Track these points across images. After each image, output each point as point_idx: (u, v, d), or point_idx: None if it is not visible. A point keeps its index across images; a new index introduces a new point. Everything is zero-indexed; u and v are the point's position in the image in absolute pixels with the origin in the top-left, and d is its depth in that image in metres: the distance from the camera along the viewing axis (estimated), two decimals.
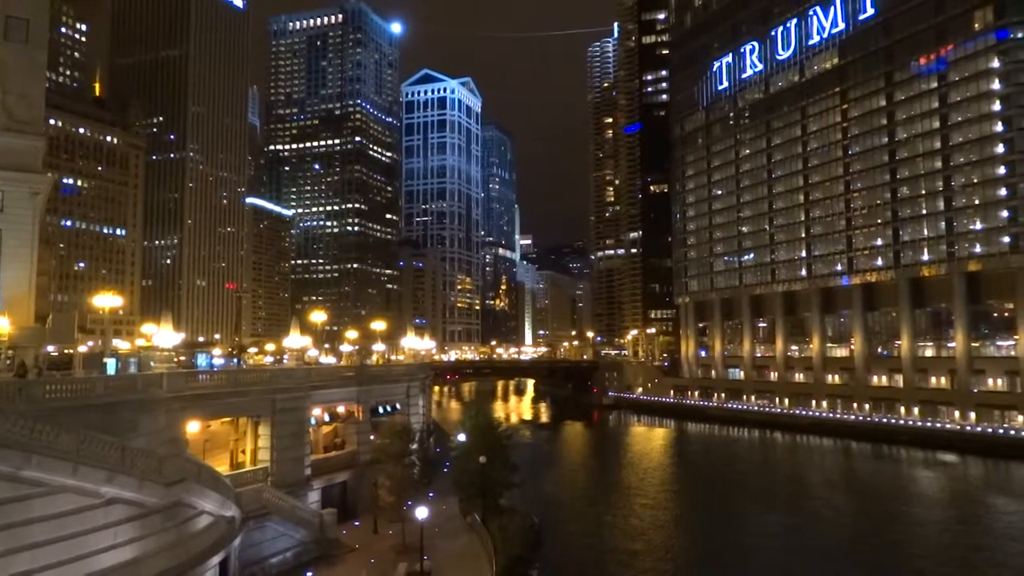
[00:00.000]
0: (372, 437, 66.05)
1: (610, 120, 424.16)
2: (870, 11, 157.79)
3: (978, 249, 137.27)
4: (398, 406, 74.49)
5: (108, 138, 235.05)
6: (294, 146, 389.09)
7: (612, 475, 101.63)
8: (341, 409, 68.61)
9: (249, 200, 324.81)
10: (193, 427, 49.84)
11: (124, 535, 31.85)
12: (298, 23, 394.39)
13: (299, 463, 56.61)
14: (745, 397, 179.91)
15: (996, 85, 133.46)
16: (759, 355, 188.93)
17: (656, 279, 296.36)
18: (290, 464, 55.44)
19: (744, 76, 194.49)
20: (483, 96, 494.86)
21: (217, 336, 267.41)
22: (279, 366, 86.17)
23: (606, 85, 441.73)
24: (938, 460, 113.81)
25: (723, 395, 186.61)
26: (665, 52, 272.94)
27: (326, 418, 68.21)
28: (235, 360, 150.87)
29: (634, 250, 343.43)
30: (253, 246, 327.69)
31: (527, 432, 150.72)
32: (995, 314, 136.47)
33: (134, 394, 41.08)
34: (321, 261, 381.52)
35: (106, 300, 64.48)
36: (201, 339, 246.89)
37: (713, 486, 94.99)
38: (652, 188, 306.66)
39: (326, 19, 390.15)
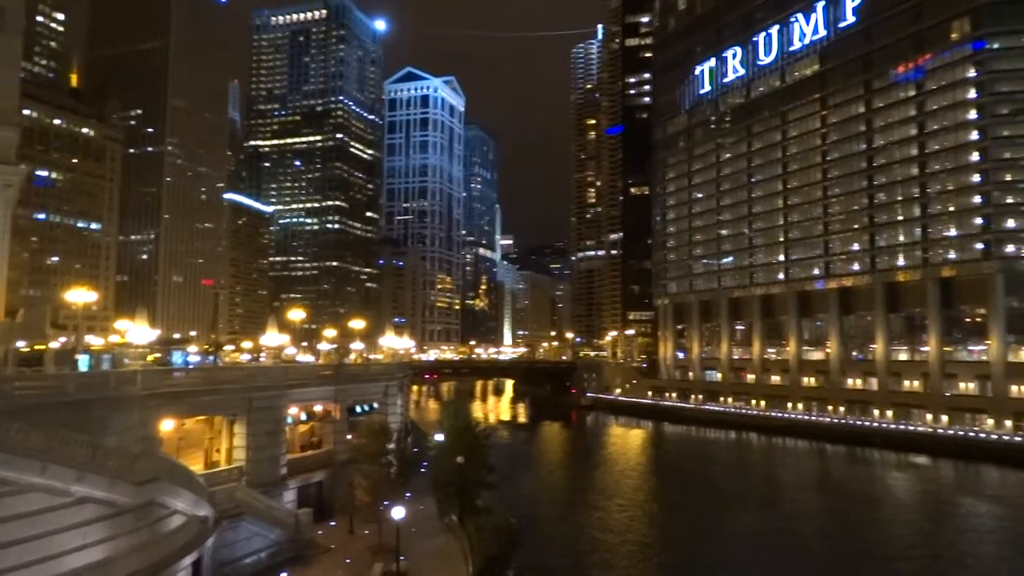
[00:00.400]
0: (349, 436, 65.72)
1: (593, 122, 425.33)
2: (851, 19, 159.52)
3: (952, 255, 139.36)
4: (376, 405, 74.17)
5: (84, 130, 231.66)
6: (275, 142, 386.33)
7: (589, 476, 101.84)
8: (318, 408, 68.19)
9: (228, 196, 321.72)
10: (167, 425, 49.29)
11: (94, 535, 31.41)
12: (281, 18, 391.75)
13: (275, 462, 56.16)
14: (722, 399, 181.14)
15: (972, 94, 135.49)
16: (736, 357, 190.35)
17: (636, 281, 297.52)
18: (265, 463, 54.98)
19: (726, 81, 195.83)
20: (466, 95, 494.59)
21: (193, 333, 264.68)
22: (256, 364, 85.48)
23: (589, 87, 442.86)
24: (911, 462, 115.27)
25: (700, 396, 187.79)
26: (648, 55, 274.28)
27: (303, 417, 67.73)
28: (211, 358, 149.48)
29: (614, 251, 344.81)
30: (231, 242, 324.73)
31: (505, 432, 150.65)
32: (967, 319, 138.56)
33: (107, 391, 40.54)
34: (300, 258, 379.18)
35: (80, 295, 63.49)
36: (177, 336, 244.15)
37: (689, 487, 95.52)
38: (633, 190, 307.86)
39: (309, 14, 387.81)
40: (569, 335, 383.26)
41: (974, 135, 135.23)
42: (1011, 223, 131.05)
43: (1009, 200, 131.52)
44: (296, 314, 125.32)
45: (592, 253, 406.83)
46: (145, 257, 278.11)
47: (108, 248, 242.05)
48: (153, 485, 34.92)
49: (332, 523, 58.55)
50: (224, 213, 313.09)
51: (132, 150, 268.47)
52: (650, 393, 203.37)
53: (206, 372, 60.04)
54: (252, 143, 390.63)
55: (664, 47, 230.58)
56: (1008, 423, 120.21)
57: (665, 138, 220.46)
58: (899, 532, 72.65)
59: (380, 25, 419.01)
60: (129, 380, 43.78)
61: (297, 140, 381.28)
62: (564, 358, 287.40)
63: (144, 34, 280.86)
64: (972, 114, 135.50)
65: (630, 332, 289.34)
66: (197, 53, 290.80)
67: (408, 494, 63.71)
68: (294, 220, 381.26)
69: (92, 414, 37.49)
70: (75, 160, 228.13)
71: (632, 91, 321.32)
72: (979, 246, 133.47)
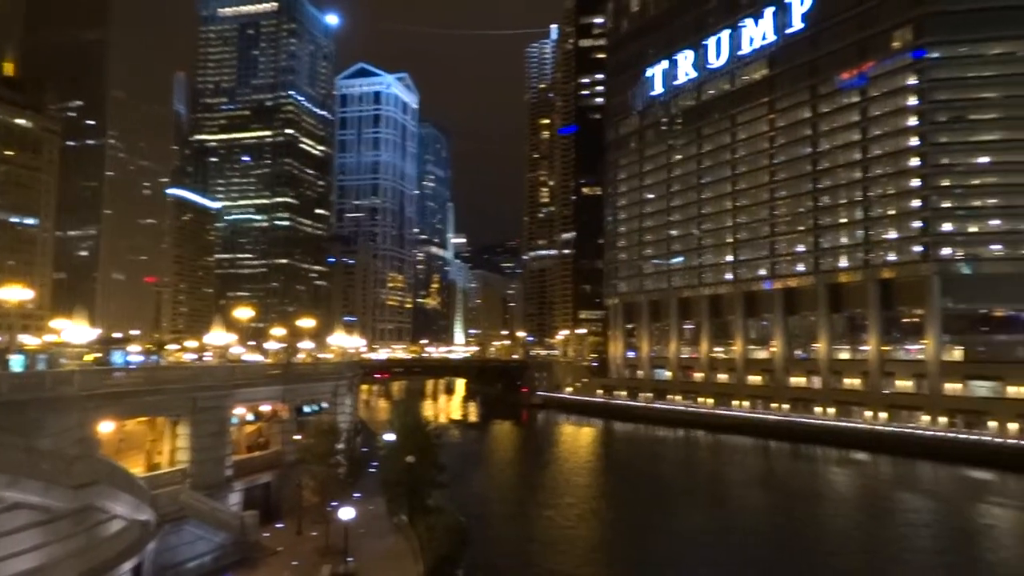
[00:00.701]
0: (297, 437, 64.71)
1: (546, 121, 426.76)
2: (799, 25, 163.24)
3: (892, 257, 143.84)
4: (325, 405, 73.17)
5: (20, 121, 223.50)
6: (222, 137, 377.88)
7: (539, 474, 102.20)
8: (266, 408, 66.92)
9: (173, 191, 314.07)
10: (107, 427, 47.73)
11: (27, 542, 30.22)
12: (229, 9, 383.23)
13: (220, 464, 54.92)
14: (671, 397, 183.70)
15: (912, 101, 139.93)
16: (685, 356, 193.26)
17: (587, 280, 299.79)
18: (210, 465, 53.71)
19: (677, 83, 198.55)
20: (420, 92, 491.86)
21: (135, 332, 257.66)
22: (201, 363, 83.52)
23: (543, 86, 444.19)
24: (851, 458, 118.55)
25: (650, 395, 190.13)
26: (602, 56, 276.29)
27: (249, 417, 66.39)
28: (154, 357, 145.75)
29: (566, 251, 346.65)
30: (176, 239, 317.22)
31: (456, 431, 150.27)
32: (905, 319, 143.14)
33: (42, 392, 39.07)
34: (248, 256, 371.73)
35: (13, 293, 61.03)
36: (118, 335, 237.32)
37: (638, 485, 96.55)
38: (585, 190, 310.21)
39: (259, 7, 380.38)
40: (521, 334, 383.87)
41: (914, 141, 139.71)
42: (947, 227, 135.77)
43: (946, 205, 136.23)
44: (243, 312, 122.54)
45: (544, 252, 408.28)
46: (85, 254, 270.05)
47: (44, 244, 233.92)
48: (91, 489, 33.76)
49: (279, 525, 57.56)
50: (168, 209, 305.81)
51: (71, 143, 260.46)
52: (600, 391, 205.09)
53: (148, 372, 58.40)
54: (198, 137, 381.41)
55: (617, 49, 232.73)
56: (942, 419, 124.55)
57: (617, 139, 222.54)
58: (841, 527, 74.64)
59: (332, 20, 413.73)
60: (66, 380, 42.26)
61: (246, 135, 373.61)
62: (515, 357, 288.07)
63: (84, 22, 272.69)
64: (912, 121, 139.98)
65: (581, 331, 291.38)
66: (140, 43, 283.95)
67: (357, 494, 62.99)
68: (242, 217, 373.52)
69: (26, 416, 36.08)
70: (10, 152, 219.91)
71: (585, 91, 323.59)
72: (917, 249, 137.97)
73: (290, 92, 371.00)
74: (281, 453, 64.45)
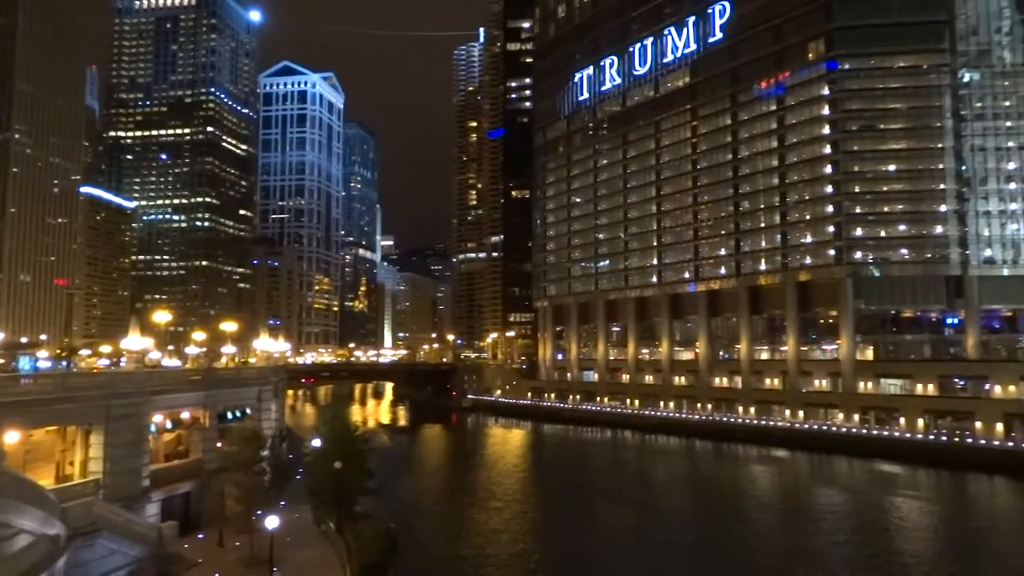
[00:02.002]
0: (219, 444, 62.79)
1: (474, 124, 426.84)
2: (719, 35, 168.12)
3: (808, 261, 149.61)
4: (248, 411, 71.16)
5: None
6: (138, 133, 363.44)
7: (468, 478, 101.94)
8: (186, 415, 64.64)
9: (85, 189, 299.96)
10: (12, 437, 45.18)
11: None
12: (146, 2, 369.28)
13: (136, 474, 52.72)
14: (599, 399, 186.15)
15: (826, 111, 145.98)
16: (613, 358, 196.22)
17: (516, 283, 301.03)
18: (126, 475, 51.50)
19: (604, 89, 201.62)
20: (346, 93, 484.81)
21: (44, 337, 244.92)
22: (115, 369, 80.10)
23: (471, 89, 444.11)
24: (771, 456, 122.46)
25: (578, 397, 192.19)
26: (529, 60, 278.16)
27: (168, 425, 64.02)
28: (64, 363, 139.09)
29: (495, 254, 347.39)
30: (88, 239, 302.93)
31: (385, 436, 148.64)
32: (821, 320, 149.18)
33: None
34: (166, 257, 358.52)
35: None
36: (24, 340, 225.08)
37: (566, 486, 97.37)
38: (514, 193, 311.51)
39: (178, 0, 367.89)
40: (450, 337, 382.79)
41: (827, 149, 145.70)
42: (859, 231, 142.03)
43: (857, 210, 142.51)
44: (161, 316, 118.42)
45: (473, 255, 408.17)
46: None
47: None
48: None
49: (200, 536, 55.72)
50: (80, 208, 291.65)
51: None
52: (530, 394, 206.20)
53: (58, 378, 55.52)
54: (113, 134, 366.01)
55: (544, 53, 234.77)
56: (856, 417, 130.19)
57: (545, 143, 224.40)
58: (760, 523, 76.93)
59: (255, 16, 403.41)
60: None
61: (163, 132, 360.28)
62: (445, 360, 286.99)
63: None
64: (826, 129, 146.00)
65: (511, 334, 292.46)
66: (49, 34, 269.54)
67: (282, 502, 61.61)
68: (160, 216, 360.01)
69: None
70: None
71: (513, 95, 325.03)
72: (831, 252, 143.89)
73: (211, 89, 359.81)
74: (202, 461, 62.34)
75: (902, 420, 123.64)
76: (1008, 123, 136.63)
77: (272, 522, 43.24)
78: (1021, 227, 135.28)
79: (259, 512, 51.69)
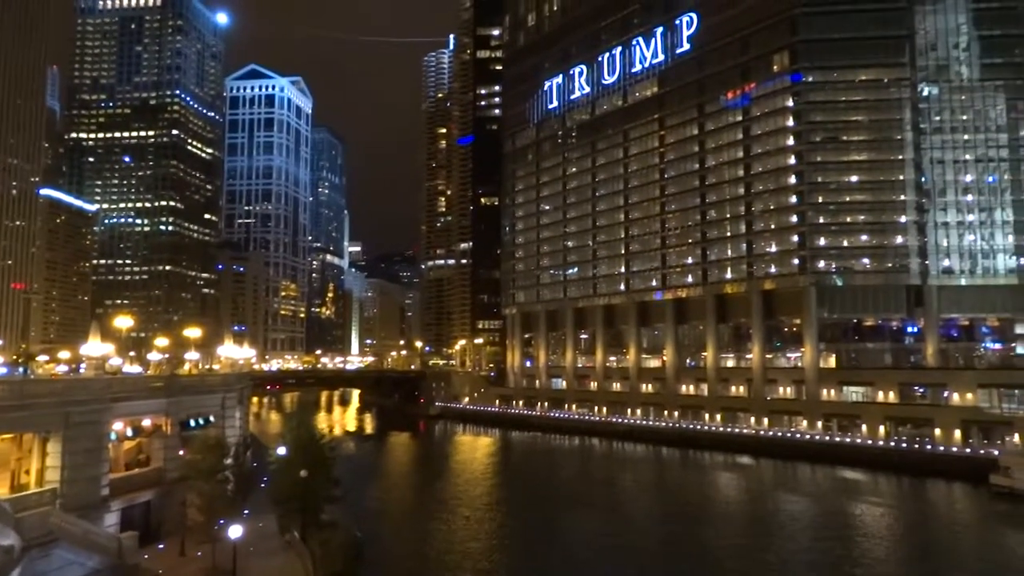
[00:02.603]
0: (182, 452, 61.61)
1: (444, 131, 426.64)
2: (686, 46, 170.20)
3: (772, 269, 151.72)
4: (212, 419, 69.98)
5: None
6: (101, 135, 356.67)
7: (436, 485, 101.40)
8: (147, 423, 63.32)
9: (44, 192, 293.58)
10: None
11: None
12: (110, 2, 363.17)
13: (95, 483, 51.53)
14: (567, 406, 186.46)
15: (790, 122, 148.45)
16: (581, 365, 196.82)
17: (485, 290, 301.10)
18: (84, 484, 50.30)
19: (573, 97, 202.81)
20: (315, 98, 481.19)
21: None
22: (74, 376, 78.30)
23: (441, 96, 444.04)
24: (737, 463, 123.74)
25: (547, 404, 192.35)
26: (499, 68, 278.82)
27: (129, 432, 62.66)
28: (21, 369, 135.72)
29: (464, 261, 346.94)
30: (48, 243, 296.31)
31: (351, 444, 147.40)
32: (786, 329, 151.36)
33: None
34: (128, 262, 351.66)
35: None
36: None
37: (534, 494, 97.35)
38: (483, 200, 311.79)
39: (143, 1, 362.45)
40: (418, 344, 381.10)
41: (791, 160, 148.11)
42: (822, 241, 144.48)
43: (821, 220, 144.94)
44: (123, 321, 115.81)
45: (442, 262, 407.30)
46: None
47: None
48: None
49: (160, 546, 54.58)
50: (39, 210, 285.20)
51: None
52: (498, 401, 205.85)
53: (13, 385, 54.11)
54: (74, 135, 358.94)
55: (514, 61, 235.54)
56: (819, 424, 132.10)
57: (514, 150, 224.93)
58: (727, 530, 77.61)
59: (222, 18, 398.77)
60: None
61: (127, 134, 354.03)
62: (413, 367, 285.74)
63: None
64: (790, 140, 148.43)
65: (479, 341, 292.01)
66: (8, 33, 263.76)
67: (246, 511, 60.66)
68: (122, 220, 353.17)
69: None
70: None
71: (483, 102, 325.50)
72: (795, 261, 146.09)
73: (176, 91, 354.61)
74: (163, 470, 61.15)
75: (864, 427, 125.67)
76: (966, 136, 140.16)
77: (235, 531, 42.55)
78: (978, 238, 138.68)
79: (222, 521, 50.81)
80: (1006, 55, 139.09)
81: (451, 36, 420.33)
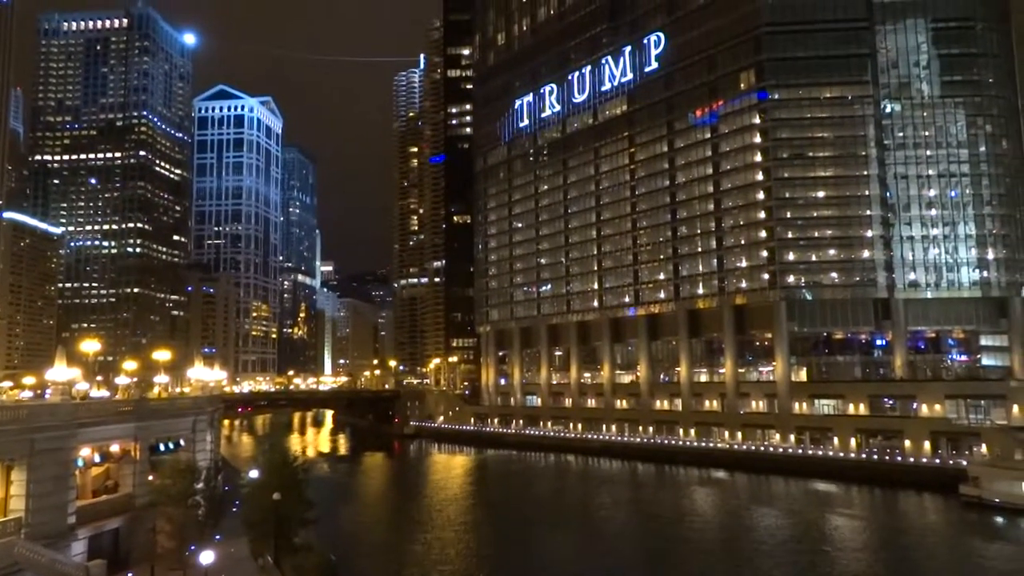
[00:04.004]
0: (151, 477, 60.39)
1: (415, 150, 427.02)
2: (654, 65, 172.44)
3: (743, 284, 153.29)
4: (182, 442, 68.70)
5: None
6: (66, 157, 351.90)
7: (411, 506, 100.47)
8: (115, 448, 61.99)
9: (8, 215, 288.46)
10: None
11: None
12: (75, 24, 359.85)
13: (61, 511, 50.18)
14: (542, 423, 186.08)
15: (757, 139, 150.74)
16: (555, 382, 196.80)
17: (459, 308, 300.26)
18: (50, 512, 48.96)
19: (544, 115, 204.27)
20: (285, 118, 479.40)
21: None
22: (39, 402, 76.50)
23: (412, 115, 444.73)
24: (712, 477, 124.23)
25: (522, 421, 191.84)
26: (470, 87, 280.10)
27: (96, 458, 61.26)
28: None
29: (437, 279, 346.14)
30: (11, 266, 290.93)
31: (325, 465, 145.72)
32: (757, 343, 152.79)
33: None
34: (95, 285, 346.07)
35: None
36: None
37: (509, 513, 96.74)
38: (456, 219, 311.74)
39: (109, 22, 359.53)
40: (392, 363, 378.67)
41: (759, 176, 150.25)
42: (791, 256, 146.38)
43: (789, 235, 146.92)
44: (89, 345, 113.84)
45: (415, 280, 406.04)
46: None
47: None
48: None
49: (130, 574, 53.21)
50: (3, 234, 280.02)
51: None
52: (473, 420, 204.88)
53: None
54: (39, 157, 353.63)
55: (484, 80, 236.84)
56: (792, 437, 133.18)
57: (486, 169, 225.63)
58: (702, 545, 77.72)
59: (190, 39, 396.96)
60: None
61: (93, 156, 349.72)
62: (387, 387, 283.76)
63: None
64: (758, 157, 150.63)
65: (453, 359, 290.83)
66: None
67: (218, 536, 59.55)
68: (88, 243, 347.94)
69: None
70: None
71: (454, 121, 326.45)
72: (765, 276, 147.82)
73: (143, 112, 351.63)
74: (132, 496, 59.79)
75: (835, 440, 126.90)
76: (928, 152, 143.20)
77: (207, 557, 41.76)
78: (942, 251, 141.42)
79: (193, 547, 49.90)
80: (965, 73, 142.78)
81: (421, 55, 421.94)
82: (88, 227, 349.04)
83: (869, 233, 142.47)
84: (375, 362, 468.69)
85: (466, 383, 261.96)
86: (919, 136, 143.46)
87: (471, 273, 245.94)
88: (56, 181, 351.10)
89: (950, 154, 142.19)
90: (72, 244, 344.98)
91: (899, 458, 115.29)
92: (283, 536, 57.05)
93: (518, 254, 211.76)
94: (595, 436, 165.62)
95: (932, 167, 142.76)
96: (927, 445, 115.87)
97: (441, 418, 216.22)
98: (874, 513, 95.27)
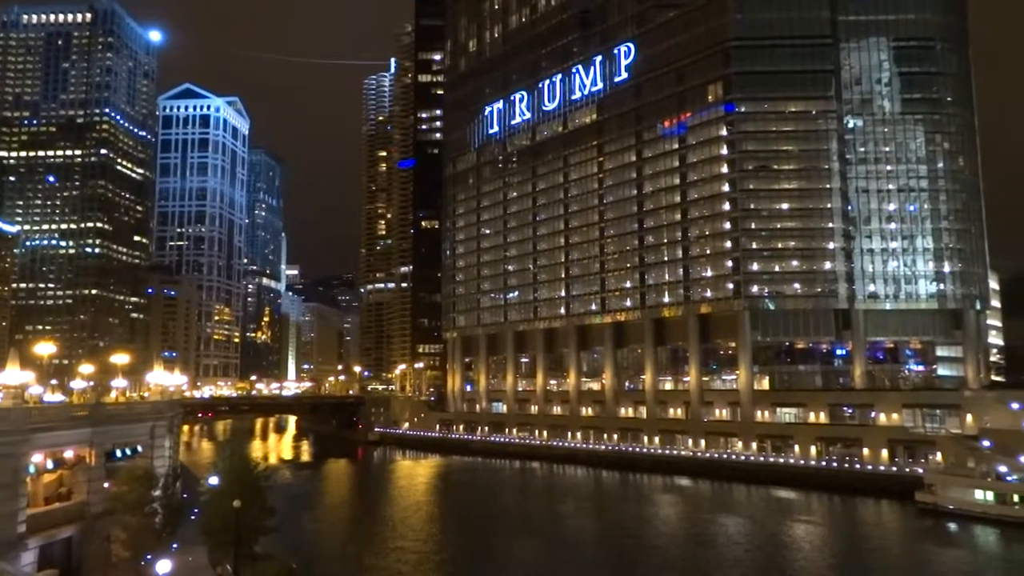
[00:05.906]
0: (107, 484, 58.91)
1: (384, 154, 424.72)
2: (624, 75, 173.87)
3: (708, 294, 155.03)
4: (140, 448, 67.25)
5: None
6: (23, 154, 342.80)
7: (374, 513, 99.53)
8: (69, 454, 60.38)
9: None
10: None
11: None
12: (35, 17, 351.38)
13: (10, 519, 48.71)
14: (508, 430, 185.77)
15: (724, 150, 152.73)
16: (521, 389, 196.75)
17: (426, 314, 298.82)
18: None
19: (514, 123, 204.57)
20: (252, 119, 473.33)
21: None
22: None
23: (381, 119, 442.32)
24: (676, 485, 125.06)
25: (487, 428, 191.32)
26: (441, 92, 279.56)
27: (49, 465, 59.61)
28: None
29: (404, 284, 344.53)
30: None
31: (287, 472, 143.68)
32: (721, 352, 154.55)
33: None
34: (51, 286, 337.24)
35: None
36: None
37: (473, 521, 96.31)
38: (424, 224, 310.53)
39: (71, 16, 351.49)
40: (357, 369, 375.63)
41: (726, 187, 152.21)
42: (755, 266, 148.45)
43: (753, 246, 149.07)
44: (44, 348, 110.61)
45: (382, 285, 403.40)
46: None
47: None
48: None
49: None
50: None
51: None
52: (438, 426, 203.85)
53: None
54: None
55: (455, 86, 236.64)
56: (754, 445, 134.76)
57: (455, 174, 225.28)
58: (669, 553, 78.17)
59: (155, 36, 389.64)
60: None
61: (51, 153, 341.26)
62: (352, 393, 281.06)
63: None
64: (724, 168, 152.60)
65: (420, 365, 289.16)
66: None
67: (175, 545, 58.31)
68: (44, 242, 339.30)
69: None
70: None
71: (424, 126, 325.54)
72: (730, 286, 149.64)
73: (105, 109, 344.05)
74: (86, 503, 58.26)
75: (796, 448, 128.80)
76: (888, 167, 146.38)
77: (163, 567, 40.83)
78: (901, 264, 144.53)
79: (149, 556, 48.75)
80: (924, 91, 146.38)
81: (392, 60, 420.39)
82: (45, 226, 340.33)
83: (831, 245, 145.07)
84: (340, 368, 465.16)
85: (432, 389, 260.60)
86: (880, 151, 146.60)
87: (438, 279, 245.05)
88: (12, 178, 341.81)
89: (909, 169, 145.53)
90: (28, 243, 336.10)
91: (858, 466, 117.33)
92: (243, 544, 55.99)
93: (486, 260, 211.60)
94: (560, 443, 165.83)
95: (892, 182, 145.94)
96: (885, 453, 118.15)
97: (406, 424, 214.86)
98: (833, 520, 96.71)
